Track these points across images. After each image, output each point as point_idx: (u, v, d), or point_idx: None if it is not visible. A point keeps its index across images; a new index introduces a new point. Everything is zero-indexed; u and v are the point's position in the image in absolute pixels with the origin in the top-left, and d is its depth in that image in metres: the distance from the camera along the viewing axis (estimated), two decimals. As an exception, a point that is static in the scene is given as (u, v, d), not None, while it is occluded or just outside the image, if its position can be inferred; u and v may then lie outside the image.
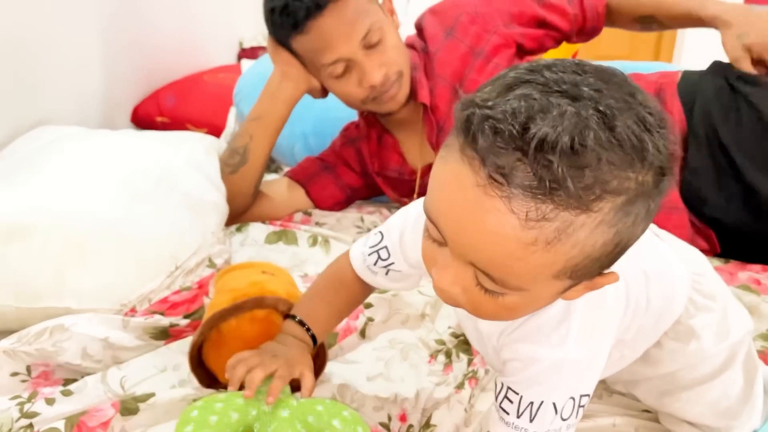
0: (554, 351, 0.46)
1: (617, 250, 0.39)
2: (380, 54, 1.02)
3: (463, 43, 1.11)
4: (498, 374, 0.53)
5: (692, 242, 1.00)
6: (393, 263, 0.60)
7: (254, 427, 0.56)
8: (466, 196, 0.36)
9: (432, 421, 0.67)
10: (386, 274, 0.61)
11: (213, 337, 0.68)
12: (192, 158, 1.02)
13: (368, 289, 0.66)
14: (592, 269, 0.39)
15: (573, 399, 0.47)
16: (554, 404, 0.47)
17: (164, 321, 0.76)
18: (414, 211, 0.58)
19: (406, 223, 0.57)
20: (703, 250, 1.01)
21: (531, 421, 0.47)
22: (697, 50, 3.05)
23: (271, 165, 1.48)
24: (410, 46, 1.14)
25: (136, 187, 0.88)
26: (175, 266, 0.81)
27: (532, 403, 0.47)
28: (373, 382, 0.74)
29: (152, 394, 0.66)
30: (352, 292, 0.65)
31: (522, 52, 1.16)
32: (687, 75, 1.11)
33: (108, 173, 0.89)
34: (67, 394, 0.67)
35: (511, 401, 0.48)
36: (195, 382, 0.71)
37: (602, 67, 0.39)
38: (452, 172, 0.37)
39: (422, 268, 0.47)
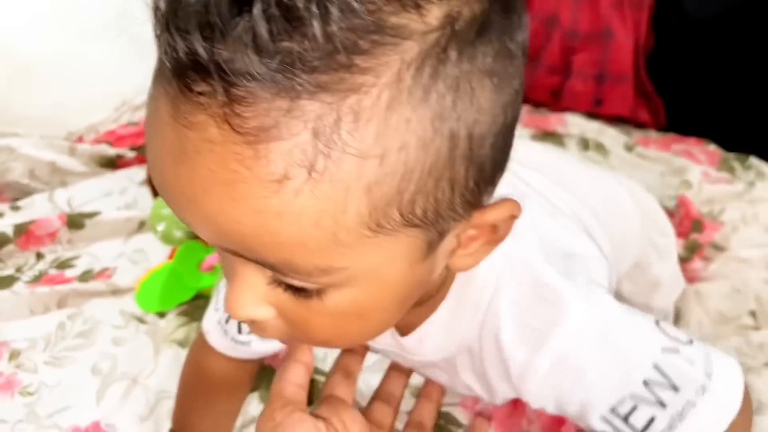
0: (565, 329, 0.31)
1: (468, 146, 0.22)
2: None
3: None
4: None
5: (634, 114, 1.03)
6: None
7: None
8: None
9: None
10: None
11: None
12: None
13: (251, 370, 0.51)
14: (444, 198, 0.22)
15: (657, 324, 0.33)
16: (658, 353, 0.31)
17: (111, 151, 0.78)
18: None
19: None
20: (644, 122, 1.05)
21: (677, 390, 0.30)
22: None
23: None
24: None
25: (85, 26, 0.87)
26: (122, 102, 0.83)
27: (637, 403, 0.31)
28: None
29: (98, 212, 0.69)
30: (232, 383, 0.49)
31: None
32: None
33: (59, 10, 0.88)
34: (15, 209, 0.71)
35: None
36: (140, 205, 0.74)
37: None
38: None
39: None
